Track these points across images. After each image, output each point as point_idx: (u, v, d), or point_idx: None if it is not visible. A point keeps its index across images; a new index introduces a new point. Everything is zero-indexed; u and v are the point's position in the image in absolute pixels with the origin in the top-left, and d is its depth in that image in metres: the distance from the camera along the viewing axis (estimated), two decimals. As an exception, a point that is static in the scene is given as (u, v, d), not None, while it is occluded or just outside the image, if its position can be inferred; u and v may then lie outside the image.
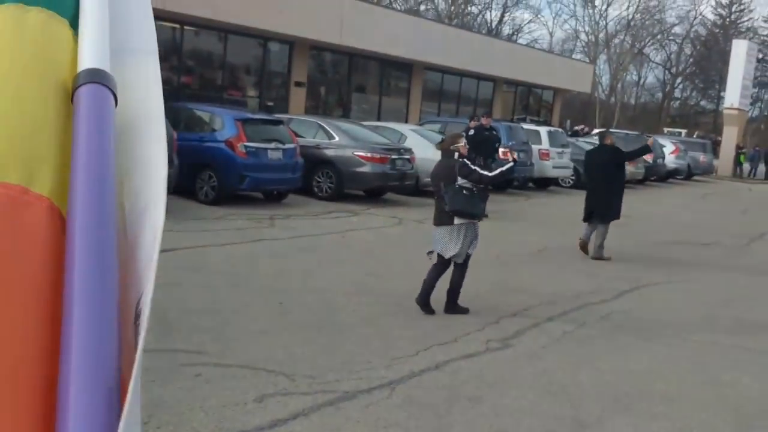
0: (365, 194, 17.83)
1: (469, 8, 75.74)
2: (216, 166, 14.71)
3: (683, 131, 59.60)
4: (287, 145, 15.47)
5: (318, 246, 11.97)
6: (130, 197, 1.10)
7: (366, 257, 11.37)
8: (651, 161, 29.58)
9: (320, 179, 16.97)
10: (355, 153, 16.73)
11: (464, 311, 8.45)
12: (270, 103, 24.74)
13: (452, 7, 73.44)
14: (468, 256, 8.45)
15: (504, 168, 9.06)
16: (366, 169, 16.70)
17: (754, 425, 6.20)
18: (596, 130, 43.27)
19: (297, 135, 16.50)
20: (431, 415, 5.66)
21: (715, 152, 43.17)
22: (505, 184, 21.34)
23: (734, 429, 6.05)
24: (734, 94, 42.75)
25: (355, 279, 9.79)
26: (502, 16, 77.23)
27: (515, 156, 9.27)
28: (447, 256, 8.31)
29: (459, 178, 8.28)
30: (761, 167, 45.06)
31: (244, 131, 14.78)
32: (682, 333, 8.61)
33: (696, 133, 59.27)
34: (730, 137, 43.42)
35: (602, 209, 12.70)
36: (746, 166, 45.34)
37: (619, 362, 7.32)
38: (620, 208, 12.96)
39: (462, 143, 8.55)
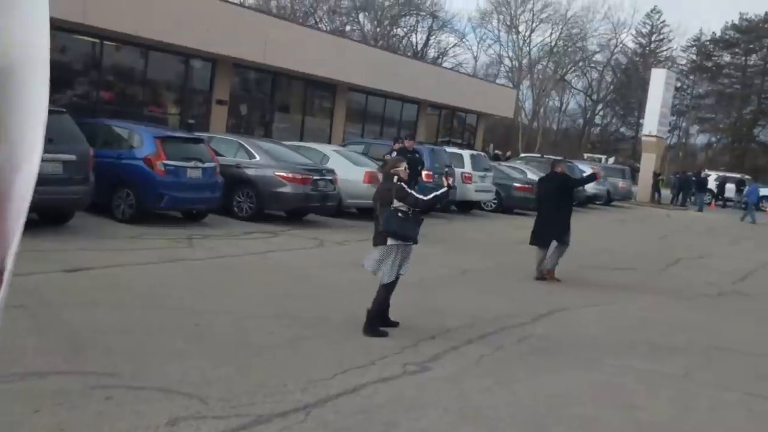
0: (286, 215, 17.65)
1: (394, 30, 76.46)
2: (133, 184, 14.41)
3: (603, 157, 60.75)
4: (207, 164, 15.25)
5: (236, 267, 11.81)
6: (4, 148, 1.02)
7: (285, 279, 11.25)
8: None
9: (240, 199, 16.76)
10: (276, 173, 16.57)
11: (383, 334, 8.45)
12: (191, 121, 24.43)
13: (378, 29, 74.03)
14: (398, 277, 8.58)
15: (438, 192, 9.16)
16: (287, 189, 16.55)
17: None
18: (523, 154, 43.82)
19: (217, 154, 16.28)
20: (346, 440, 5.58)
21: (634, 178, 44.03)
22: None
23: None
24: (652, 121, 43.70)
25: (273, 301, 9.67)
26: (428, 39, 78.18)
27: (450, 181, 9.32)
28: (383, 281, 8.52)
29: (395, 201, 8.46)
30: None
31: (163, 149, 14.51)
32: (598, 357, 8.70)
33: (610, 158, 60.29)
34: (648, 164, 44.35)
35: (557, 232, 13.36)
36: (667, 193, 46.33)
37: (535, 385, 7.34)
38: (569, 229, 13.53)
39: (402, 167, 8.72)
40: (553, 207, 13.40)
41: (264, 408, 5.87)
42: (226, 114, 26.13)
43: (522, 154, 45.22)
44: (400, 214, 8.43)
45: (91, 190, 13.02)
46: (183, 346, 7.26)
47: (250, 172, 16.78)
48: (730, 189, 49.83)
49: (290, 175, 16.58)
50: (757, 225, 34.29)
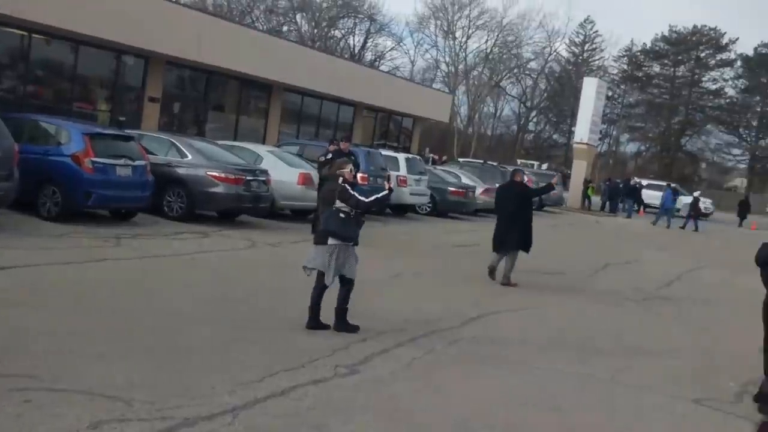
0: (218, 215, 17.42)
1: (332, 32, 76.29)
2: (60, 181, 14.05)
3: (536, 163, 61.39)
4: (137, 162, 14.96)
5: (166, 268, 11.61)
6: None
7: (215, 280, 11.10)
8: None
9: (171, 198, 16.45)
10: (208, 173, 16.33)
11: (354, 329, 8.78)
12: (122, 118, 23.97)
13: (315, 30, 73.80)
14: (348, 279, 8.78)
15: (380, 195, 9.31)
16: (219, 189, 16.33)
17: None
18: (462, 159, 44.03)
19: (148, 152, 15.97)
20: (273, 444, 5.50)
21: (566, 185, 44.55)
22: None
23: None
24: (584, 129, 44.37)
25: (202, 302, 9.51)
26: (365, 42, 78.21)
27: (391, 185, 9.46)
28: (327, 282, 8.69)
29: (337, 201, 8.73)
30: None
31: (92, 146, 14.17)
32: (526, 360, 8.74)
33: (543, 165, 60.92)
34: (579, 171, 44.96)
35: (518, 239, 13.71)
36: (596, 200, 46.97)
37: (465, 388, 7.34)
38: (531, 236, 13.91)
39: (348, 169, 8.98)
40: (512, 215, 13.77)
41: (190, 411, 5.75)
42: (158, 112, 25.73)
43: (460, 159, 45.38)
44: (341, 215, 8.69)
45: (15, 187, 12.69)
46: (107, 348, 7.09)
47: (181, 171, 16.52)
48: (654, 196, 50.48)
49: (222, 174, 16.38)
50: (685, 231, 35.10)
